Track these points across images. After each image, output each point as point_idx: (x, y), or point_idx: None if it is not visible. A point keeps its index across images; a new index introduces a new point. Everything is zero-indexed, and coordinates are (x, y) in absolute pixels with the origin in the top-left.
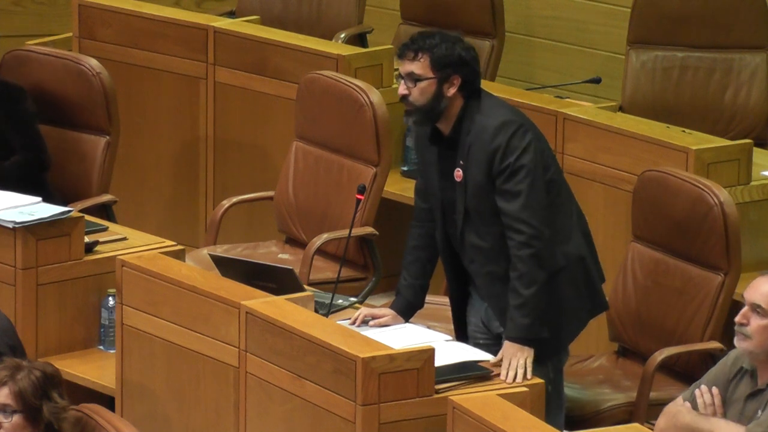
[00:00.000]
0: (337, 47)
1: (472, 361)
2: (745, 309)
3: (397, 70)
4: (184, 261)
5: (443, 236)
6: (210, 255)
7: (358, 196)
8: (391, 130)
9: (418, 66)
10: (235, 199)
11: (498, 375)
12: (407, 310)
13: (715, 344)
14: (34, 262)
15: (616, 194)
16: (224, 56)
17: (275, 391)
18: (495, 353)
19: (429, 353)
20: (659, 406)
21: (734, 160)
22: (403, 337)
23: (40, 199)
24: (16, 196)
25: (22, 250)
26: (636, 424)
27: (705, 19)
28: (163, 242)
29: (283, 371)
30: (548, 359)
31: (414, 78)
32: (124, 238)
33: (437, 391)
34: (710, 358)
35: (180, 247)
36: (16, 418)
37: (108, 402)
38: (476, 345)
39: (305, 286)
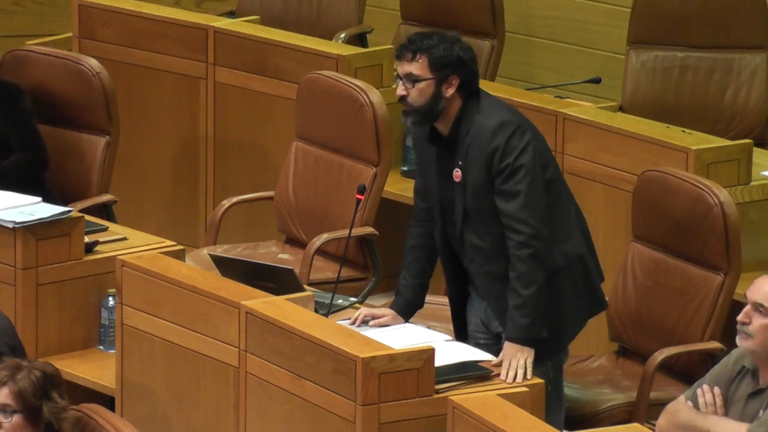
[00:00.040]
0: (337, 47)
1: (472, 361)
2: (747, 308)
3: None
4: (184, 261)
5: (442, 236)
6: (210, 255)
7: (358, 196)
8: (391, 130)
9: (417, 67)
10: (235, 199)
11: (498, 375)
12: (407, 310)
13: (715, 344)
14: (34, 262)
15: (616, 194)
16: (224, 56)
17: (275, 391)
18: (495, 353)
19: (429, 353)
20: (659, 406)
21: (734, 160)
22: (403, 337)
23: (40, 199)
24: (16, 196)
25: (22, 250)
26: (636, 424)
27: (705, 19)
28: (163, 242)
29: (283, 371)
30: (548, 359)
31: (412, 79)
32: (124, 238)
33: (437, 391)
34: (710, 358)
35: (180, 247)
36: (16, 418)
37: (108, 402)
38: (476, 345)
39: (305, 286)
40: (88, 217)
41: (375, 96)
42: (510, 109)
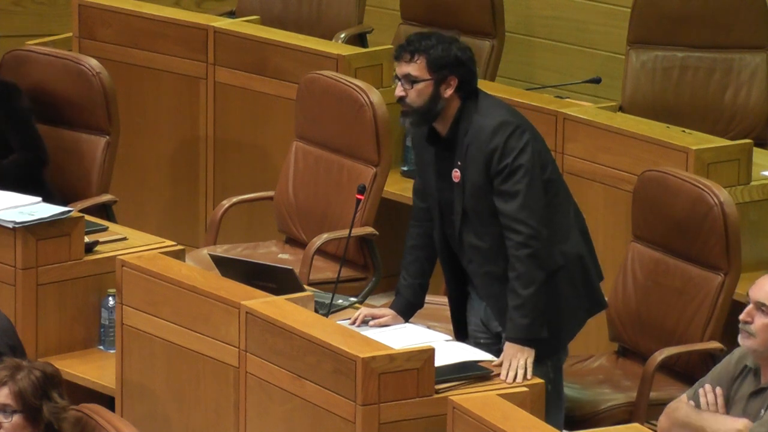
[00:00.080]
0: (337, 47)
1: (472, 361)
2: (749, 307)
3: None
4: (184, 261)
5: (441, 236)
6: (210, 255)
7: (358, 196)
8: (391, 130)
9: (415, 68)
10: (235, 199)
11: (498, 375)
12: (407, 310)
13: (715, 344)
14: (34, 262)
15: (616, 194)
16: (224, 56)
17: (275, 391)
18: (495, 352)
19: (429, 353)
20: (659, 406)
21: (734, 160)
22: (403, 337)
23: (40, 199)
24: (16, 196)
25: (22, 250)
26: (636, 424)
27: (705, 19)
28: (163, 242)
29: (283, 371)
30: (547, 358)
31: (411, 80)
32: (124, 238)
33: (437, 391)
34: (710, 358)
35: (180, 247)
36: (16, 418)
37: (108, 402)
38: (477, 344)
39: (305, 286)
40: (88, 217)
41: (375, 96)
42: (508, 109)
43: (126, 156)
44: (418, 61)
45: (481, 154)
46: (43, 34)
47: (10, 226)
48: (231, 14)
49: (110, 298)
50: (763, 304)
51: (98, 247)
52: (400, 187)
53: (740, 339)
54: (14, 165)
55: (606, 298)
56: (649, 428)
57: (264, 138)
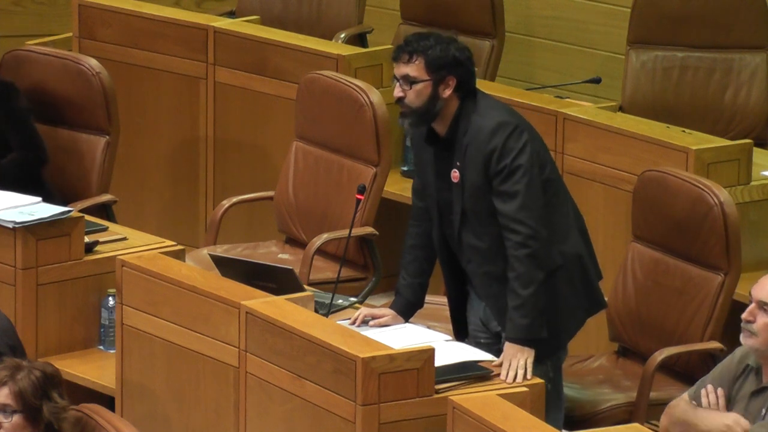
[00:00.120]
0: (337, 47)
1: (472, 361)
2: (752, 306)
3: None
4: (184, 261)
5: (440, 236)
6: (210, 255)
7: (358, 196)
8: (391, 130)
9: (413, 68)
10: (235, 199)
11: (498, 375)
12: (407, 310)
13: (715, 344)
14: (34, 262)
15: (616, 194)
16: (224, 56)
17: (275, 391)
18: (495, 352)
19: (429, 353)
20: (659, 406)
21: (734, 160)
22: (403, 337)
23: (40, 199)
24: (16, 196)
25: (22, 250)
26: (636, 424)
27: (705, 19)
28: (163, 242)
29: (283, 371)
30: (547, 358)
31: (409, 80)
32: (124, 238)
33: (437, 391)
34: (710, 358)
35: (180, 247)
36: (16, 418)
37: (108, 402)
38: (477, 344)
39: (305, 286)
40: (88, 217)
41: (375, 96)
42: (507, 109)
43: (126, 156)
44: (417, 62)
45: (479, 154)
46: (43, 34)
47: (10, 226)
48: (231, 14)
49: (110, 298)
50: (766, 304)
51: (98, 247)
52: (400, 187)
53: (742, 338)
54: (14, 164)
55: (606, 298)
56: (649, 428)
57: (264, 138)
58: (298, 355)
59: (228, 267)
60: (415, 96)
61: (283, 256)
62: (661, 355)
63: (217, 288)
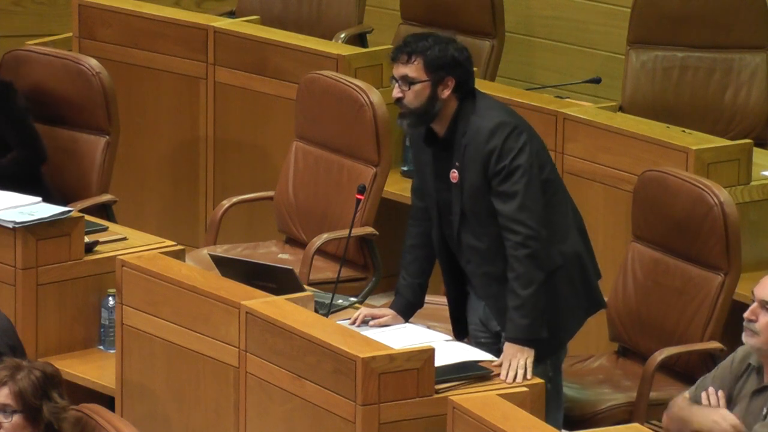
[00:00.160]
0: (337, 47)
1: (472, 361)
2: (754, 305)
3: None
4: (184, 261)
5: (439, 236)
6: (210, 255)
7: (358, 196)
8: (391, 130)
9: (412, 69)
10: (235, 199)
11: (498, 375)
12: (407, 310)
13: (715, 344)
14: (34, 262)
15: (616, 194)
16: (224, 56)
17: (275, 391)
18: (496, 352)
19: (429, 353)
20: (659, 406)
21: (734, 160)
22: (403, 337)
23: (40, 199)
24: (16, 196)
25: (22, 250)
26: (636, 424)
27: (705, 19)
28: (163, 242)
29: (283, 371)
30: (547, 358)
31: (408, 81)
32: (124, 238)
33: (437, 391)
34: (710, 358)
35: (180, 247)
36: (16, 418)
37: (108, 402)
38: (478, 344)
39: (305, 286)
40: (88, 217)
41: (375, 96)
42: (506, 109)
43: (126, 156)
44: (416, 63)
45: (479, 155)
46: (43, 34)
47: (10, 226)
48: (231, 14)
49: (110, 298)
50: None
51: (98, 247)
52: (400, 187)
53: (744, 337)
54: (13, 163)
55: (606, 298)
56: (649, 428)
57: (264, 138)
58: (298, 355)
59: (228, 267)
60: (413, 97)
61: (283, 256)
62: (661, 355)
63: (217, 288)
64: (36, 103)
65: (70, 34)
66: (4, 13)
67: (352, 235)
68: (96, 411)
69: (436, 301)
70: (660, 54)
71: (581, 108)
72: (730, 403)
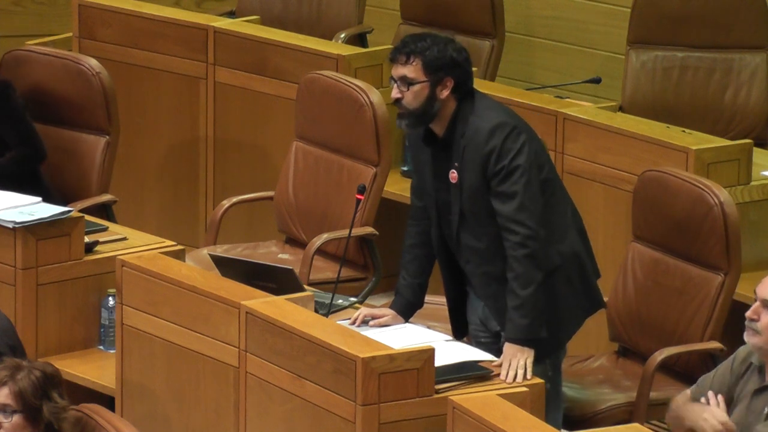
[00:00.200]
0: (337, 47)
1: (472, 361)
2: (756, 305)
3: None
4: (184, 261)
5: (439, 236)
6: (210, 255)
7: (358, 196)
8: (391, 130)
9: (411, 69)
10: (235, 199)
11: (498, 375)
12: (407, 310)
13: (715, 344)
14: (34, 262)
15: (616, 194)
16: (224, 56)
17: (275, 391)
18: (496, 351)
19: (429, 353)
20: (659, 406)
21: (734, 160)
22: (403, 337)
23: (40, 199)
24: (16, 196)
25: (22, 250)
26: (636, 424)
27: (705, 19)
28: (163, 242)
29: (283, 371)
30: (546, 358)
31: (407, 82)
32: (124, 238)
33: (437, 391)
34: (710, 358)
35: (180, 247)
36: (16, 418)
37: (108, 402)
38: (477, 344)
39: (305, 286)
40: (88, 217)
41: (375, 96)
42: (505, 109)
43: (126, 156)
44: (414, 63)
45: (478, 155)
46: (43, 34)
47: (10, 226)
48: (231, 14)
49: (110, 298)
50: None
51: (98, 247)
52: (400, 187)
53: (746, 336)
54: (12, 161)
55: (606, 298)
56: (649, 428)
57: (264, 138)
58: (298, 355)
59: (228, 267)
60: (412, 97)
61: (283, 256)
62: (661, 355)
63: (217, 288)
64: (36, 103)
65: (70, 34)
66: (4, 13)
67: (352, 235)
68: (96, 411)
69: (436, 301)
70: (660, 54)
71: (581, 108)
72: (732, 403)
